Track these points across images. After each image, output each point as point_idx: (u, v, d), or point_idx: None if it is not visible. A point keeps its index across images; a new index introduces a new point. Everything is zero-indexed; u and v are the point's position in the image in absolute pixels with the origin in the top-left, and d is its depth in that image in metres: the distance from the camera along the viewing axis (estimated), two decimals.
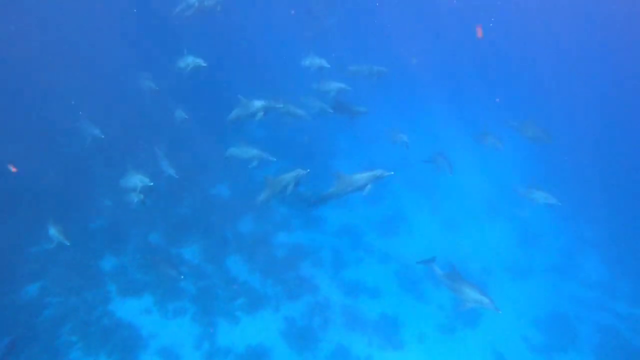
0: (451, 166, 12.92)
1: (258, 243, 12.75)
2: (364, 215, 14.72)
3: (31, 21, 16.58)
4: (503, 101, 21.36)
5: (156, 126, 14.59)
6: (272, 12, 21.81)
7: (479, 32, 20.47)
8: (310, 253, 12.87)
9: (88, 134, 11.32)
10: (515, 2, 27.03)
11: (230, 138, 11.65)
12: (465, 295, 7.73)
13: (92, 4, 18.06)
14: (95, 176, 13.30)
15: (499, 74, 25.62)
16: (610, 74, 26.78)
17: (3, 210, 11.54)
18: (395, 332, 10.99)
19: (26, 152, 12.16)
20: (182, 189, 13.28)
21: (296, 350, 10.15)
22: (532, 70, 25.74)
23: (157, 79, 12.72)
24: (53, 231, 8.65)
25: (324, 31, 19.06)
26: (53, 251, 9.13)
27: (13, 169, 9.67)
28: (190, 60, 10.51)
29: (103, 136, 11.15)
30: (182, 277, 9.95)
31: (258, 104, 9.75)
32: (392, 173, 8.40)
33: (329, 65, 11.87)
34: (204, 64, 10.28)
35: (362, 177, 8.46)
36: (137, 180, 9.45)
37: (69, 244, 8.49)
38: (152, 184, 9.50)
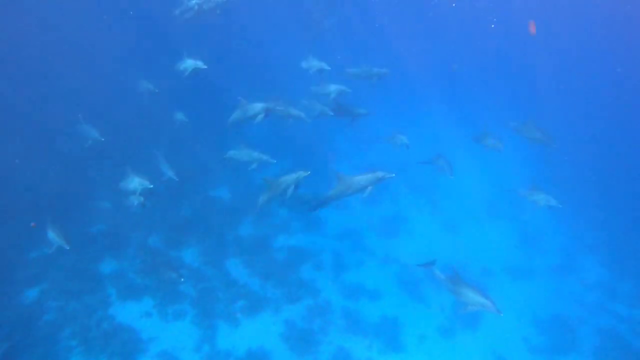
0: (451, 167, 12.90)
1: (258, 246, 12.72)
2: (364, 217, 14.70)
3: (31, 22, 16.54)
4: (503, 102, 21.34)
5: (156, 128, 14.57)
6: (272, 13, 21.76)
7: (532, 28, 19.70)
8: (310, 255, 12.85)
9: (88, 137, 11.28)
10: (515, 2, 27.01)
11: (230, 140, 11.62)
12: (467, 298, 7.70)
13: (92, 4, 18.02)
14: (95, 179, 13.29)
15: (499, 74, 25.59)
16: (611, 74, 26.77)
17: (2, 213, 11.50)
18: (395, 334, 10.98)
19: (26, 155, 12.15)
20: (182, 191, 13.25)
21: (297, 353, 10.13)
22: (533, 71, 25.72)
23: (156, 81, 12.67)
24: (52, 235, 8.61)
25: (323, 32, 19.01)
26: (53, 255, 9.09)
27: (33, 225, 9.59)
28: (190, 63, 10.47)
29: (103, 139, 11.11)
30: (183, 279, 9.93)
31: (259, 106, 9.72)
32: (394, 175, 8.37)
33: (329, 68, 11.84)
34: (204, 66, 10.23)
35: (363, 178, 8.42)
36: (137, 182, 9.41)
37: (68, 248, 8.45)
38: (152, 186, 9.47)
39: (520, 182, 13.96)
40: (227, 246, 12.59)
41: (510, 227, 15.80)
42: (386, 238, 14.20)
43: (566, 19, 27.92)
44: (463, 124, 19.50)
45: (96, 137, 11.19)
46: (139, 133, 14.55)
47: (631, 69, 26.92)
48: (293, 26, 20.80)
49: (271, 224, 13.56)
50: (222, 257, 12.22)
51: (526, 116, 13.16)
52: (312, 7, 19.72)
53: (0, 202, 11.67)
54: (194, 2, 12.01)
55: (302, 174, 8.49)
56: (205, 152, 14.61)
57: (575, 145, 19.24)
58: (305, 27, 19.80)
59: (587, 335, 12.02)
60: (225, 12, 12.05)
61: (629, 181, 19.22)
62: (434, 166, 13.55)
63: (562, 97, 24.06)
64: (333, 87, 11.71)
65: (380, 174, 8.37)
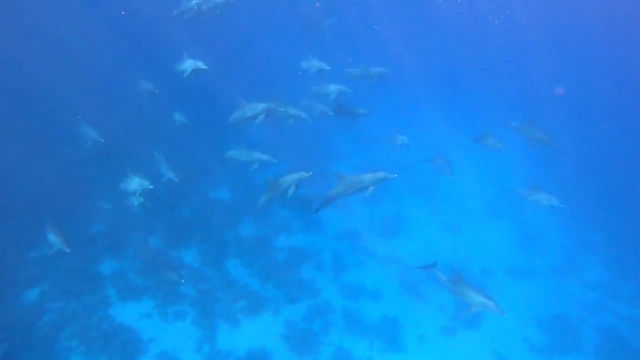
0: (451, 167, 12.91)
1: (258, 246, 12.71)
2: (364, 217, 14.70)
3: (30, 23, 16.55)
4: (503, 102, 21.34)
5: (156, 129, 14.55)
6: (271, 14, 21.78)
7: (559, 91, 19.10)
8: (310, 255, 12.84)
9: (87, 138, 11.26)
10: (515, 2, 27.01)
11: (230, 140, 11.62)
12: (470, 299, 7.67)
13: (92, 5, 18.03)
14: (95, 180, 13.27)
15: (500, 74, 25.59)
16: (612, 74, 26.77)
17: (2, 214, 11.49)
18: (396, 334, 10.97)
19: (25, 156, 12.14)
20: (182, 192, 13.23)
21: (297, 353, 10.11)
22: (533, 71, 25.72)
23: (156, 81, 12.67)
24: (52, 237, 8.60)
25: (323, 32, 19.00)
26: (53, 256, 9.08)
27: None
28: (190, 63, 10.44)
29: (103, 140, 11.09)
30: (183, 280, 9.92)
31: (259, 106, 9.71)
32: (396, 175, 8.36)
33: (329, 68, 11.84)
34: (205, 67, 10.20)
35: (365, 178, 8.39)
36: (137, 183, 9.39)
37: (69, 251, 8.44)
38: (152, 187, 9.45)
39: (521, 182, 13.98)
40: (227, 246, 12.58)
41: (511, 227, 15.80)
42: (386, 238, 14.20)
43: (566, 18, 27.94)
44: (463, 124, 19.53)
45: (96, 138, 11.18)
46: (138, 134, 14.54)
47: (631, 69, 26.92)
48: (293, 26, 20.80)
49: (271, 224, 13.56)
50: (222, 258, 12.20)
51: (526, 116, 13.16)
52: (311, 9, 19.70)
53: (1, 203, 11.67)
54: (193, 2, 11.99)
55: (303, 174, 8.47)
56: (205, 152, 14.60)
57: (575, 145, 19.24)
58: (305, 28, 19.79)
59: (587, 334, 12.03)
60: (225, 12, 12.01)
61: (629, 181, 19.22)
62: (434, 166, 13.56)
63: (562, 97, 24.05)
64: (333, 87, 11.71)
65: (382, 174, 8.35)
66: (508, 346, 11.16)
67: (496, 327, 11.45)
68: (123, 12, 17.37)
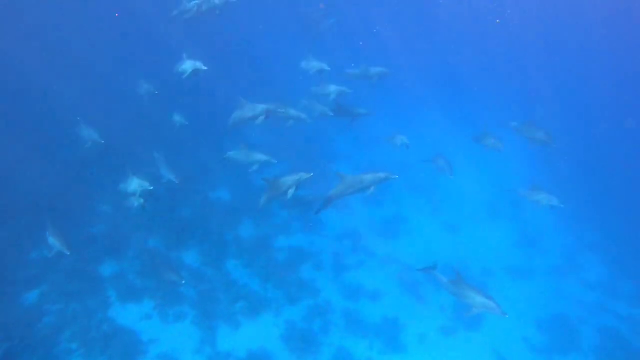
0: (451, 167, 12.91)
1: (258, 246, 12.71)
2: (364, 217, 14.69)
3: (30, 23, 16.53)
4: (503, 102, 21.33)
5: (156, 130, 14.54)
6: (272, 14, 21.76)
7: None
8: (310, 256, 12.84)
9: (87, 139, 11.25)
10: (515, 2, 27.00)
11: (230, 141, 11.61)
12: (471, 301, 7.65)
13: (91, 6, 18.00)
14: (95, 181, 13.25)
15: (500, 74, 25.59)
16: (612, 74, 26.76)
17: (2, 215, 11.48)
18: (396, 334, 10.97)
19: (25, 156, 12.13)
20: (182, 193, 13.22)
21: (297, 354, 10.12)
22: (533, 71, 25.71)
23: (156, 82, 12.66)
24: (53, 240, 8.59)
25: (323, 33, 18.99)
26: (53, 258, 9.08)
27: None
28: (189, 64, 10.43)
29: (103, 141, 11.07)
30: (184, 281, 9.91)
31: (260, 107, 9.70)
32: (397, 176, 8.36)
33: (329, 68, 11.83)
34: (204, 68, 10.19)
35: (365, 178, 8.40)
36: (137, 184, 9.38)
37: (69, 254, 8.43)
38: (152, 188, 9.43)
39: (520, 182, 13.98)
40: (227, 247, 12.57)
41: (511, 227, 15.80)
42: (386, 238, 14.20)
43: (566, 18, 27.94)
44: (463, 124, 19.52)
45: (96, 139, 11.16)
46: (138, 134, 14.52)
47: (631, 69, 26.92)
48: (293, 26, 20.78)
49: (271, 224, 13.55)
50: (223, 258, 12.19)
51: (526, 116, 13.17)
52: (311, 8, 19.67)
53: (1, 203, 11.65)
54: (193, 3, 11.97)
55: (304, 175, 8.44)
56: (205, 153, 14.59)
57: (575, 145, 19.24)
58: (305, 28, 19.77)
59: (587, 335, 12.04)
60: (225, 12, 11.99)
61: (629, 180, 19.22)
62: (434, 166, 13.56)
63: (562, 96, 24.07)
64: (333, 88, 11.70)
65: (383, 174, 8.36)
66: (508, 346, 11.17)
67: (496, 327, 11.45)
68: (117, 14, 17.32)
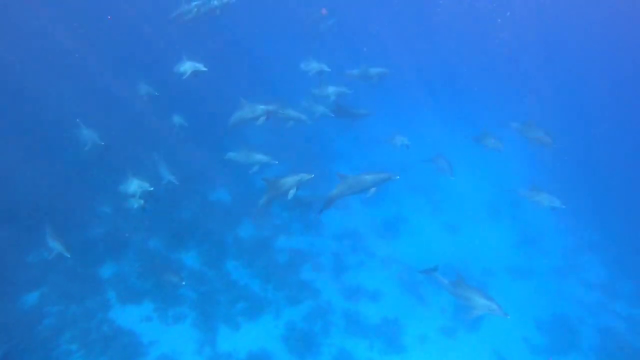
0: (452, 167, 12.90)
1: (258, 247, 12.70)
2: (364, 218, 14.67)
3: (30, 25, 16.50)
4: (503, 102, 21.29)
5: (155, 131, 14.52)
6: (271, 15, 21.73)
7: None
8: (310, 257, 12.83)
9: (87, 141, 11.22)
10: (516, 2, 26.98)
11: (230, 142, 11.60)
12: (473, 302, 7.63)
13: (92, 6, 17.97)
14: (95, 182, 13.23)
15: (500, 75, 25.57)
16: (612, 74, 26.75)
17: (2, 217, 11.46)
18: (396, 335, 10.97)
19: (25, 158, 12.11)
20: (182, 194, 13.22)
21: (298, 355, 10.12)
22: (534, 71, 25.69)
23: (156, 84, 12.63)
24: (53, 242, 8.59)
25: (322, 33, 18.96)
26: (53, 260, 9.07)
27: None
28: (189, 65, 10.41)
29: (103, 143, 11.05)
30: (184, 282, 9.90)
31: (260, 108, 9.69)
32: (398, 177, 8.34)
33: (329, 69, 11.82)
34: (204, 69, 10.18)
35: (366, 178, 8.37)
36: (137, 185, 9.37)
37: (69, 256, 8.42)
38: (152, 189, 9.43)
39: (520, 182, 13.96)
40: (227, 248, 12.57)
41: (511, 227, 15.78)
42: (386, 239, 14.18)
43: (566, 18, 27.92)
44: (463, 124, 19.51)
45: (96, 140, 11.14)
46: (138, 136, 14.50)
47: (631, 68, 26.91)
48: (293, 27, 20.76)
49: (271, 225, 13.54)
50: (223, 259, 12.20)
51: (526, 116, 13.14)
52: (311, 9, 19.64)
53: (1, 205, 11.63)
54: (193, 4, 11.96)
55: (305, 176, 8.41)
56: (205, 154, 14.57)
57: (575, 145, 19.22)
58: (304, 28, 19.74)
59: (588, 334, 12.02)
60: (225, 14, 11.98)
61: (629, 180, 19.20)
62: (434, 166, 13.55)
63: (562, 96, 24.05)
64: (333, 89, 11.70)
65: (385, 175, 8.34)
66: (508, 346, 11.16)
67: (496, 327, 11.44)
68: (109, 17, 17.26)
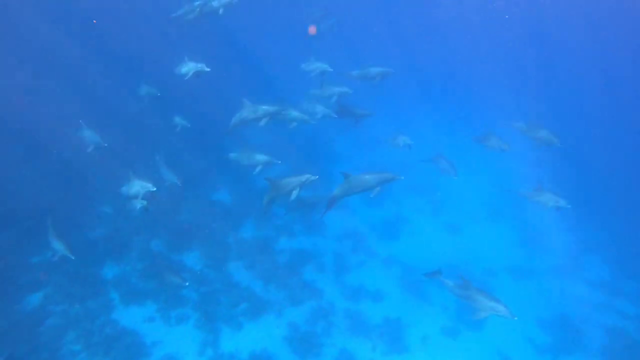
0: (454, 167, 12.88)
1: (260, 248, 12.70)
2: (365, 218, 14.69)
3: (30, 24, 16.46)
4: (506, 101, 21.26)
5: (157, 132, 14.52)
6: (272, 15, 21.72)
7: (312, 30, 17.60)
8: (312, 257, 12.85)
9: (90, 142, 11.20)
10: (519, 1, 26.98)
11: (232, 142, 11.59)
12: (479, 304, 7.57)
13: (91, 6, 17.94)
14: (97, 184, 13.22)
15: (499, 75, 25.57)
16: (612, 74, 26.76)
17: (5, 218, 11.45)
18: (399, 335, 10.96)
19: (28, 160, 12.10)
20: (184, 195, 13.22)
21: (300, 356, 10.12)
22: (534, 71, 25.69)
23: (158, 84, 12.62)
24: (56, 244, 8.58)
25: (323, 33, 18.96)
26: (56, 261, 9.06)
27: None
28: (191, 66, 10.39)
29: (105, 144, 11.03)
30: (187, 283, 9.89)
31: (263, 108, 9.68)
32: (402, 177, 8.31)
33: (331, 69, 11.81)
34: (207, 69, 10.16)
35: (370, 178, 8.33)
36: (139, 186, 9.35)
37: (73, 258, 8.42)
38: (155, 189, 9.40)
39: (521, 182, 13.92)
40: (229, 249, 12.57)
41: (512, 226, 15.78)
42: (388, 239, 14.19)
43: (566, 18, 27.93)
44: (463, 124, 19.52)
45: (98, 141, 11.12)
46: (140, 137, 14.49)
47: (632, 68, 26.92)
48: (293, 27, 20.74)
49: (273, 225, 13.54)
50: (224, 260, 12.20)
51: (527, 116, 13.13)
52: (310, 10, 19.63)
53: (3, 207, 11.63)
54: (195, 4, 11.95)
55: (309, 177, 8.36)
56: (207, 154, 14.57)
57: (577, 144, 19.20)
58: (305, 28, 19.73)
59: (593, 334, 11.96)
60: (227, 13, 11.95)
61: (629, 180, 19.20)
62: (436, 166, 13.52)
63: (562, 96, 24.06)
64: (335, 90, 11.67)
65: (389, 175, 8.30)
66: (512, 346, 11.15)
67: (500, 327, 11.43)
68: (94, 21, 17.16)
